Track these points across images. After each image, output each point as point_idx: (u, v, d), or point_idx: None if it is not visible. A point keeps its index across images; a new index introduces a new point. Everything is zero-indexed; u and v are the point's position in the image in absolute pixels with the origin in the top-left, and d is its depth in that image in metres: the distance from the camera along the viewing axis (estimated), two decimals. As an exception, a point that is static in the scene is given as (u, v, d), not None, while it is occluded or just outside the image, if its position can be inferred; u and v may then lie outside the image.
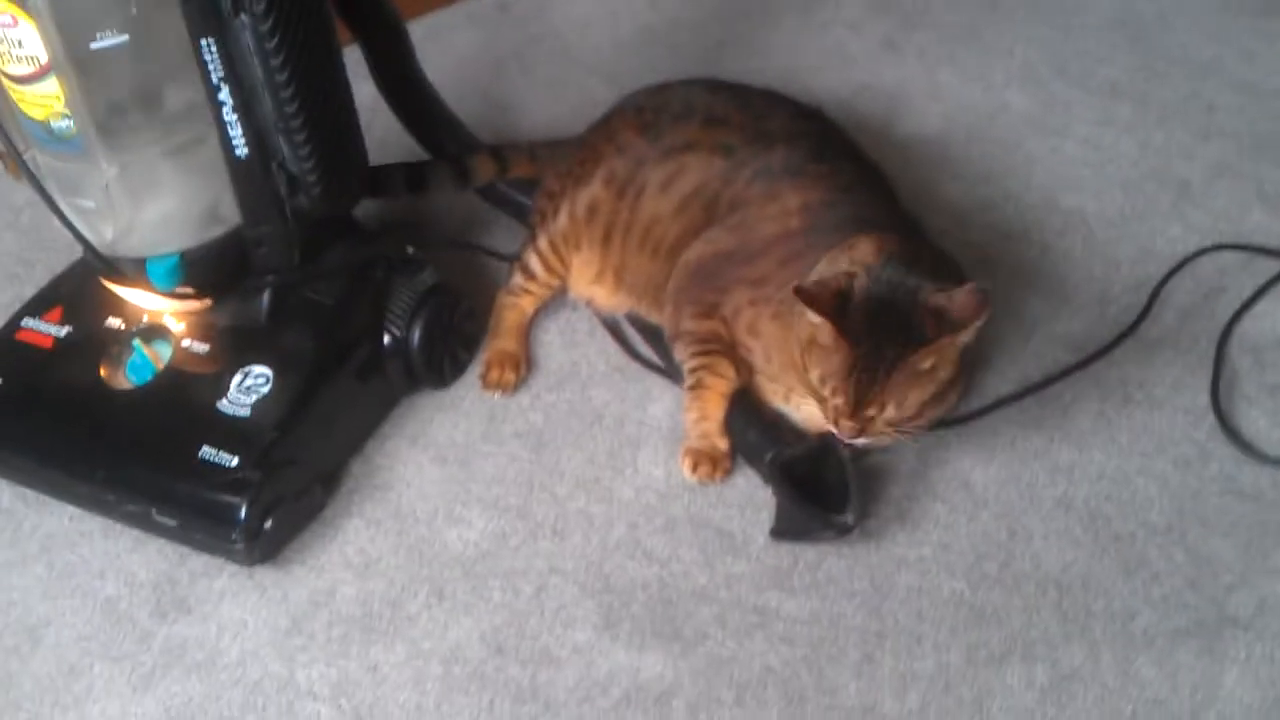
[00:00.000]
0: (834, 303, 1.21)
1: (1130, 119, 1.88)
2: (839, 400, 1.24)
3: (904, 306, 1.22)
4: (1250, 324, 1.56)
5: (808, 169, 1.42)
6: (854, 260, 1.26)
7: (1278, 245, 1.65)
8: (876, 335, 1.21)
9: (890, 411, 1.24)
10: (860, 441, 1.28)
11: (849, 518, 1.30)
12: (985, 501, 1.40)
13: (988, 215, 1.73)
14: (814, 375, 1.26)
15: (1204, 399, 1.48)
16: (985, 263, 1.63)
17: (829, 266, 1.29)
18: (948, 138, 1.87)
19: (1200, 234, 1.68)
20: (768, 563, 1.35)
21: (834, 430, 1.28)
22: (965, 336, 1.22)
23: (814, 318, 1.22)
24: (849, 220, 1.35)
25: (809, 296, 1.21)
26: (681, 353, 1.43)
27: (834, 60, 2.00)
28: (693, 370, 1.41)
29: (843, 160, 1.47)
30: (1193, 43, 2.00)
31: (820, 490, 1.33)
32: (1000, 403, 1.46)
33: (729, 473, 1.42)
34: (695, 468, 1.41)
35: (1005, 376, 1.51)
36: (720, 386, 1.40)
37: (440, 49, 2.01)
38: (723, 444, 1.41)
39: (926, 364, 1.22)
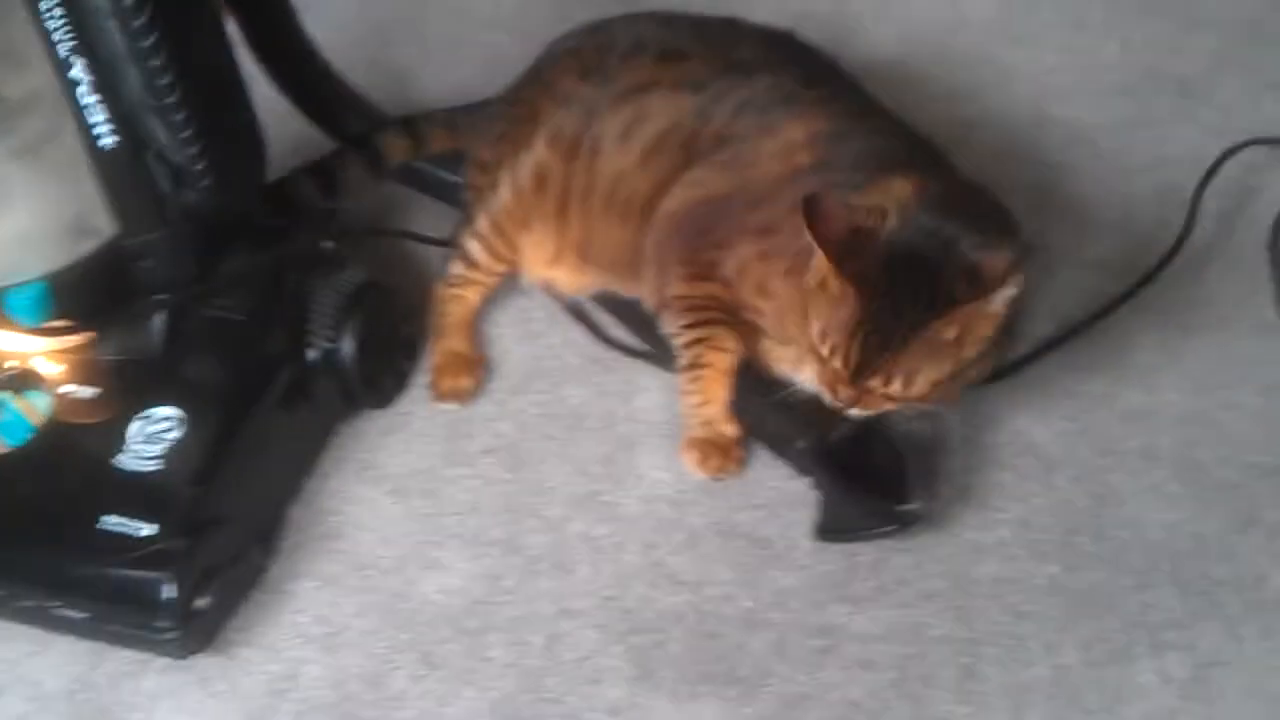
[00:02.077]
0: (845, 237, 1.00)
1: (1105, 18, 1.70)
2: (838, 362, 1.03)
3: (936, 259, 1.00)
4: (1298, 222, 1.38)
5: (803, 95, 1.20)
6: (888, 199, 1.04)
7: (1306, 135, 1.47)
8: (897, 290, 0.99)
9: (896, 386, 1.02)
10: (854, 413, 1.06)
11: (916, 506, 1.08)
12: (1057, 463, 1.20)
13: (976, 136, 1.52)
14: (815, 328, 1.04)
15: (1270, 313, 1.30)
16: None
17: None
18: (909, 58, 1.66)
19: (1215, 133, 1.49)
20: (819, 570, 1.13)
21: (827, 396, 1.06)
22: (993, 304, 1.00)
23: (814, 243, 1.00)
24: (870, 154, 1.13)
25: (816, 214, 0.99)
26: (672, 324, 1.20)
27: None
28: (688, 345, 1.18)
29: (840, 85, 1.24)
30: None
31: (869, 475, 1.10)
32: (1046, 347, 1.26)
33: (743, 463, 1.20)
34: (703, 461, 1.19)
35: (1039, 316, 1.30)
36: (722, 363, 1.17)
37: (313, 16, 1.73)
38: (731, 430, 1.19)
39: (950, 333, 1.00)
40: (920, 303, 0.99)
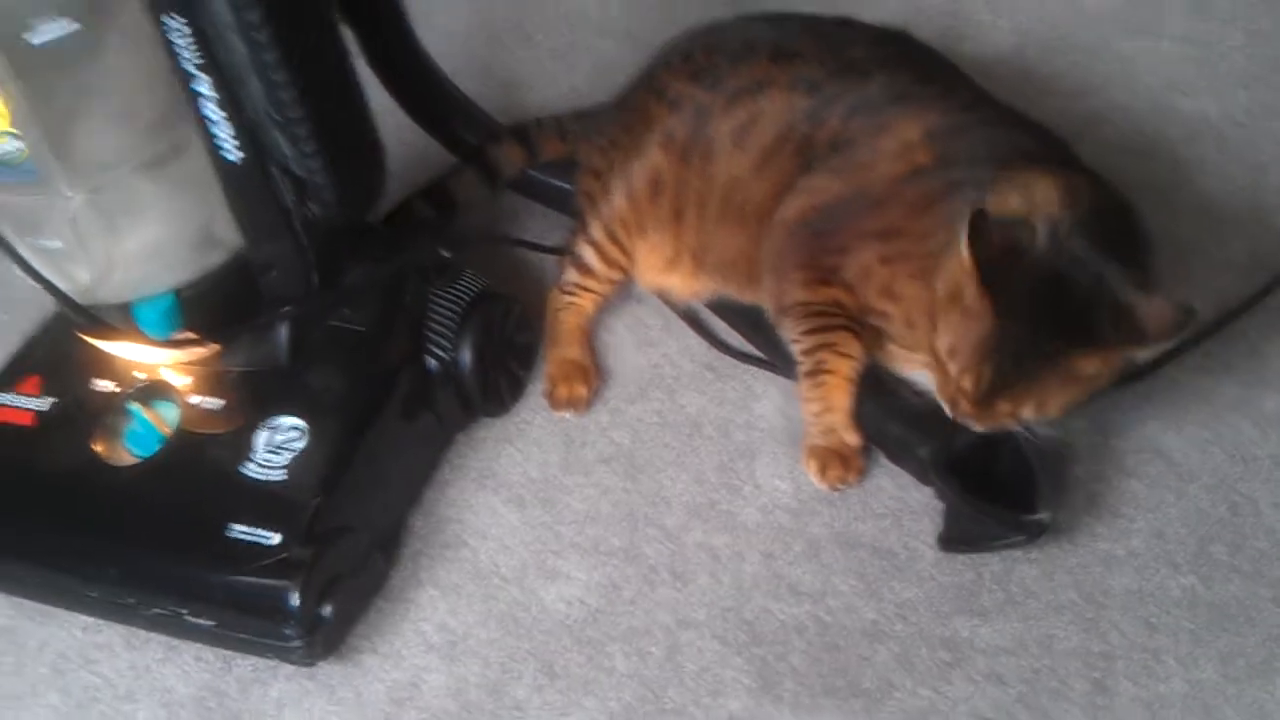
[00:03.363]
0: (998, 257, 0.96)
1: (1228, 5, 1.64)
2: (967, 382, 1.00)
3: (1085, 292, 0.96)
4: None
5: (914, 93, 1.17)
6: (1030, 201, 1.00)
7: None
8: (1039, 317, 0.96)
9: (1027, 412, 1.00)
10: (975, 428, 1.03)
11: (1044, 515, 1.06)
12: (1190, 472, 1.16)
13: (1099, 131, 1.49)
14: (943, 342, 1.02)
15: None
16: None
17: (995, 204, 1.02)
18: (1025, 52, 1.62)
19: (1349, 124, 1.44)
20: (944, 581, 1.11)
21: (948, 409, 1.04)
22: (1148, 353, 0.97)
23: (966, 262, 0.96)
24: (990, 144, 1.10)
25: (978, 233, 0.96)
26: (792, 331, 1.18)
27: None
28: (809, 351, 1.16)
29: (955, 80, 1.21)
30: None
31: (996, 484, 1.08)
32: (1177, 350, 1.22)
33: (863, 473, 1.18)
34: (824, 471, 1.17)
35: (1170, 317, 1.26)
36: (845, 369, 1.15)
37: (424, 26, 1.74)
38: (853, 438, 1.17)
39: (1090, 368, 0.97)
40: (1063, 336, 0.96)
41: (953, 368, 1.01)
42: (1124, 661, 1.04)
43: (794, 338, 1.18)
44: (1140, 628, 1.06)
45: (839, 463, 1.17)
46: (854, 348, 1.15)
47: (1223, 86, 1.53)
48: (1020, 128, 1.15)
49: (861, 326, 1.15)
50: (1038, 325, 0.96)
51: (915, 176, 1.11)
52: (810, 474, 1.18)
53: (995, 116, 1.16)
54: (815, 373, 1.16)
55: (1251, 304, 1.25)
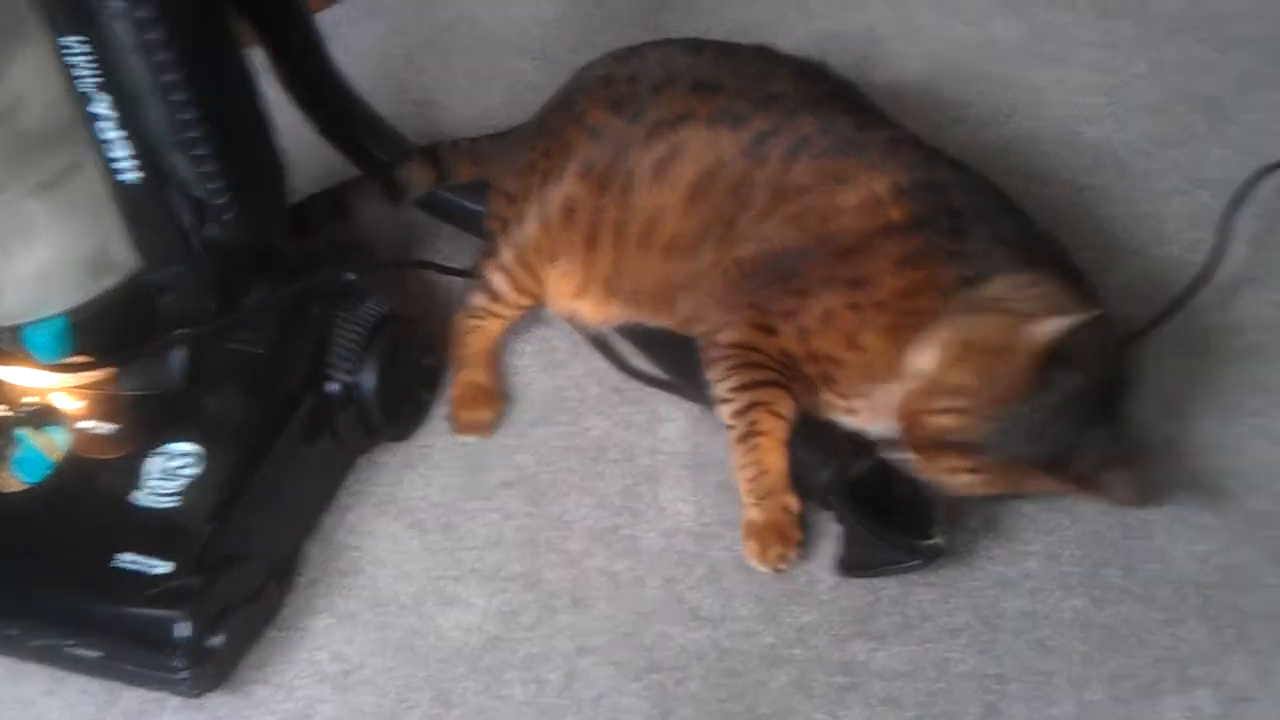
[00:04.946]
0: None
1: (1135, 37, 1.67)
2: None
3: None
4: (1335, 247, 1.35)
5: (866, 140, 1.16)
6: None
7: (1342, 155, 1.44)
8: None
9: (968, 478, 1.03)
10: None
11: (939, 540, 1.06)
12: (1085, 495, 1.16)
13: (1005, 159, 1.50)
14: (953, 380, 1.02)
15: (1304, 339, 1.26)
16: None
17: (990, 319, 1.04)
18: (937, 80, 1.64)
19: (1248, 154, 1.46)
20: (842, 605, 1.11)
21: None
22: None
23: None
24: (972, 216, 1.10)
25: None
26: (722, 384, 1.15)
27: (790, 11, 1.76)
28: (740, 413, 1.13)
29: (890, 128, 1.21)
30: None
31: (893, 509, 1.09)
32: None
33: (802, 545, 1.13)
34: (764, 552, 1.11)
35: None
36: (779, 430, 1.12)
37: (340, 46, 1.73)
38: (793, 503, 1.12)
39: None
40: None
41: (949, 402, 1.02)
42: (1017, 684, 1.05)
43: (724, 395, 1.15)
44: (1033, 650, 1.07)
45: (778, 540, 1.11)
46: (786, 406, 1.12)
47: (1127, 115, 1.55)
48: (987, 194, 1.16)
49: (795, 379, 1.12)
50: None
51: (891, 231, 1.09)
52: (749, 557, 1.12)
53: (960, 179, 1.16)
54: (748, 435, 1.12)
55: (1146, 330, 1.26)
